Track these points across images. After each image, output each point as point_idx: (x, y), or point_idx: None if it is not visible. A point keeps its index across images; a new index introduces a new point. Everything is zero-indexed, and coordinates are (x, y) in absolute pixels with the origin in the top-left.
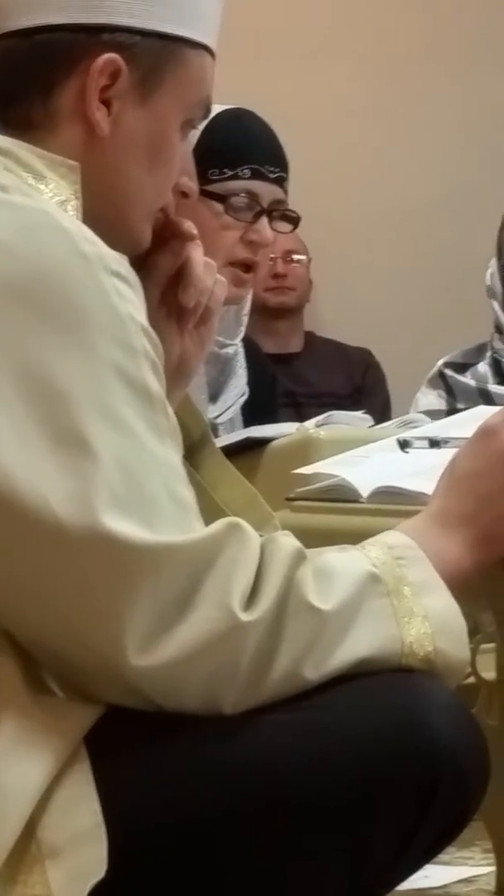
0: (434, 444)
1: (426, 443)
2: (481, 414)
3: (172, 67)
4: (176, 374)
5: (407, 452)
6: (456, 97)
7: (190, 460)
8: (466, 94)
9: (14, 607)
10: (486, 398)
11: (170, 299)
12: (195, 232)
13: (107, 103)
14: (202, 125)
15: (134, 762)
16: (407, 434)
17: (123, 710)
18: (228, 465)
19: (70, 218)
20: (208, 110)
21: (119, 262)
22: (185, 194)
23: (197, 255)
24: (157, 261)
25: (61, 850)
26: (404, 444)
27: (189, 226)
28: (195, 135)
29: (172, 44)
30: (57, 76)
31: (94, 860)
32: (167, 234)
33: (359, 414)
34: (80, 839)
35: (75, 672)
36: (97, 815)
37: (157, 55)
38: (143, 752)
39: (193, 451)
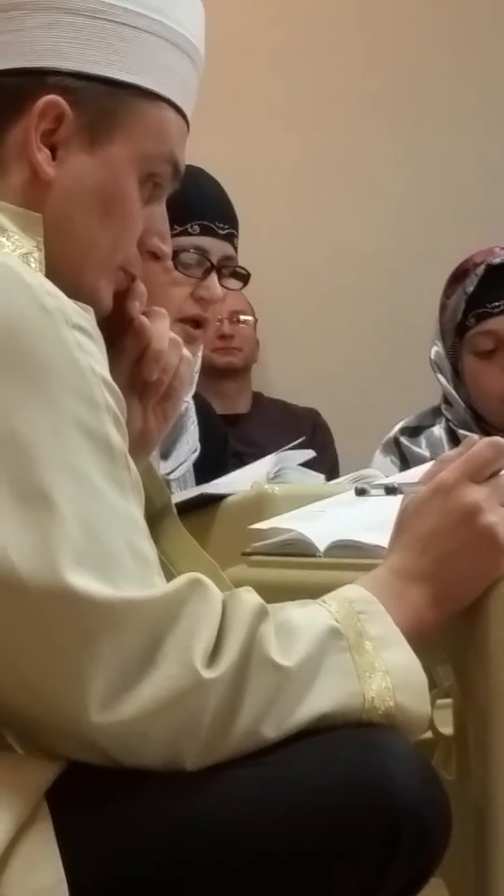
0: (391, 490)
1: (382, 490)
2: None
3: (124, 115)
4: (137, 447)
5: (364, 497)
6: (400, 158)
7: (151, 531)
8: (411, 155)
9: None
10: None
11: (134, 373)
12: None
13: (53, 147)
14: (173, 186)
15: (96, 818)
16: (363, 482)
17: (84, 765)
18: (189, 537)
19: (31, 271)
20: (177, 169)
21: (81, 315)
22: (155, 256)
23: (161, 328)
24: (123, 344)
25: None
26: (361, 492)
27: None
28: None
29: (123, 91)
30: (4, 120)
31: None
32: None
33: (308, 471)
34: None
35: (35, 728)
36: (59, 872)
37: (104, 101)
38: (105, 808)
39: (154, 522)
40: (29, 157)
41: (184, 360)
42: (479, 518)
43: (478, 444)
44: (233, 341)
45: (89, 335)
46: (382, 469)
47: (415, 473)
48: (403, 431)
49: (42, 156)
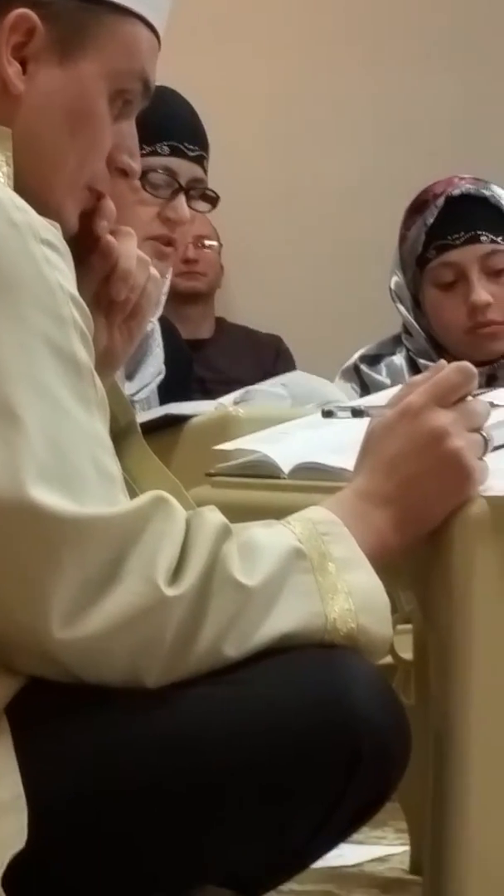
0: (357, 413)
1: (349, 413)
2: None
3: (96, 30)
4: (102, 364)
5: (330, 419)
6: (368, 87)
7: (115, 449)
8: (379, 85)
9: None
10: None
11: (100, 291)
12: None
13: (23, 61)
14: (143, 104)
15: (55, 734)
16: (331, 405)
17: (45, 681)
18: (152, 456)
19: (0, 186)
20: (147, 86)
21: (49, 230)
22: (124, 172)
23: (129, 247)
24: (91, 262)
25: None
26: (328, 414)
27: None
28: None
29: (95, 6)
30: None
31: (13, 831)
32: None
33: (277, 390)
34: (0, 810)
35: None
36: (17, 787)
37: (76, 15)
38: (65, 724)
39: (118, 440)
40: None
41: (151, 279)
42: (445, 442)
43: (446, 368)
44: (197, 266)
45: (58, 251)
46: (343, 395)
47: (382, 396)
48: (363, 359)
49: (12, 70)
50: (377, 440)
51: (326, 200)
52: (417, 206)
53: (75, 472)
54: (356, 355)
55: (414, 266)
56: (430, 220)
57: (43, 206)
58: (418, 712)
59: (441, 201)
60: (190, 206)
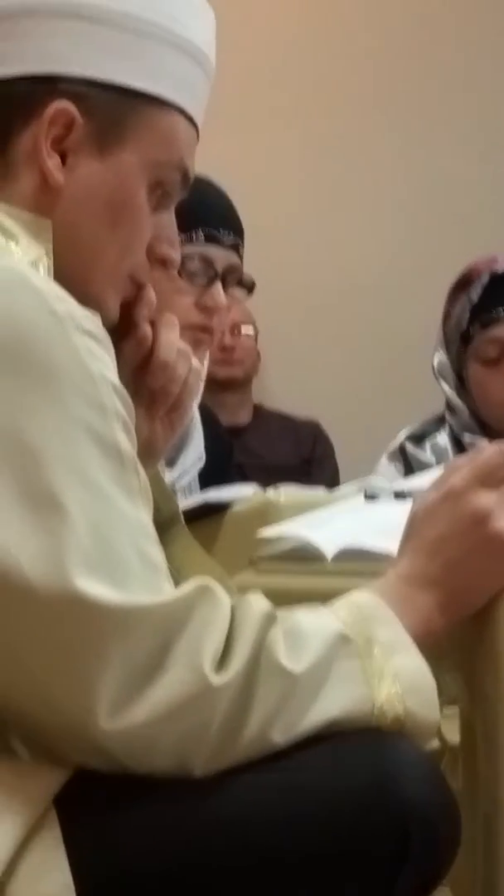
0: (400, 495)
1: (392, 495)
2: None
3: (134, 122)
4: (144, 455)
5: (373, 502)
6: (404, 167)
7: (159, 539)
8: (414, 168)
9: None
10: None
11: (140, 381)
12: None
13: (63, 154)
14: (182, 194)
15: (104, 825)
16: (373, 486)
17: (92, 771)
18: (196, 545)
19: (41, 277)
20: (186, 176)
21: (90, 320)
22: (164, 262)
23: (170, 338)
24: (123, 348)
25: None
26: (371, 497)
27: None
28: None
29: (133, 98)
30: (14, 126)
31: None
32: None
33: (310, 489)
34: None
35: (43, 734)
36: (67, 878)
37: (115, 108)
38: (113, 815)
39: (162, 530)
40: (39, 164)
41: (192, 370)
42: (488, 524)
43: (488, 449)
44: (234, 353)
45: (98, 340)
46: (387, 476)
47: (424, 479)
48: (409, 438)
49: (52, 162)
50: (420, 523)
51: (361, 280)
52: (462, 284)
53: (119, 562)
54: (401, 435)
55: (458, 342)
56: (475, 297)
57: (83, 297)
58: (467, 796)
59: (486, 278)
60: (226, 294)
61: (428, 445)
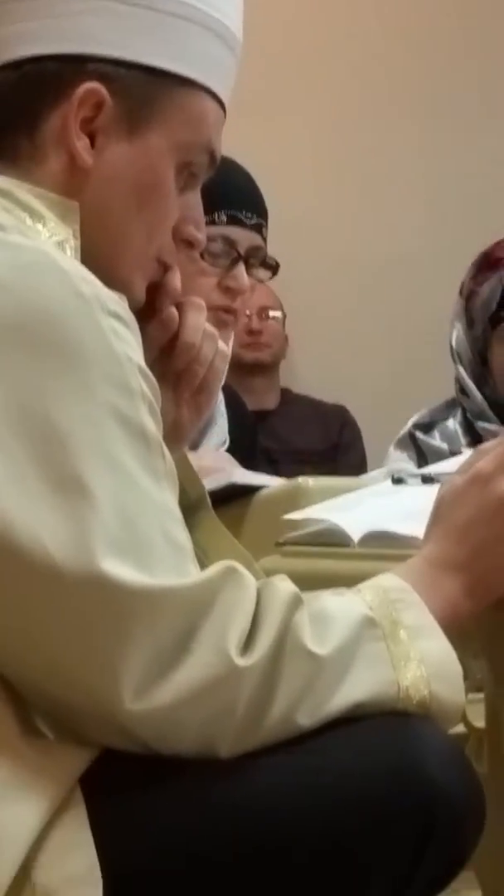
0: (427, 480)
1: (419, 479)
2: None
3: (163, 103)
4: (170, 438)
5: (400, 486)
6: (427, 150)
7: (185, 522)
8: (437, 147)
9: (8, 649)
10: None
11: (166, 363)
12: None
13: (92, 135)
14: (209, 174)
15: (130, 805)
16: (401, 472)
17: (118, 753)
18: (222, 529)
19: (68, 258)
20: (213, 157)
21: (116, 302)
22: (190, 244)
23: (197, 320)
24: (148, 330)
25: (56, 893)
26: (398, 481)
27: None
28: None
29: (162, 78)
30: (43, 106)
31: None
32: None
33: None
34: (75, 882)
35: (69, 715)
36: (92, 858)
37: (144, 89)
38: (139, 795)
39: (188, 513)
40: (67, 145)
41: (219, 353)
42: None
43: None
44: (261, 337)
45: (125, 322)
46: (398, 465)
47: (452, 464)
48: (417, 426)
49: (81, 143)
50: (447, 507)
51: (389, 264)
52: (491, 263)
53: (145, 544)
54: (409, 423)
55: (486, 323)
56: None
57: (110, 279)
58: (492, 780)
59: None
60: (250, 275)
61: (437, 432)
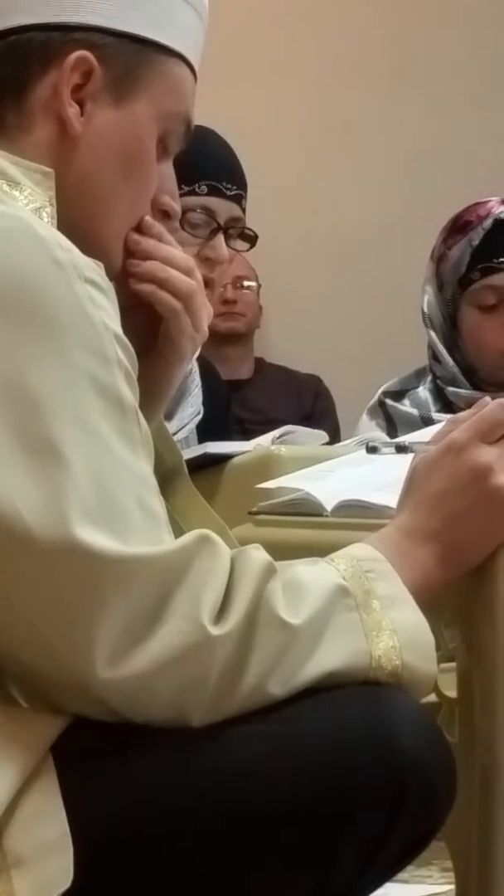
0: (401, 449)
1: (393, 449)
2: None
3: (147, 72)
4: (145, 402)
5: (374, 455)
6: (405, 123)
7: (161, 489)
8: (416, 120)
9: None
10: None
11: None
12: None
13: (80, 103)
14: (182, 145)
15: (101, 773)
16: (375, 440)
17: (90, 721)
18: (198, 497)
19: (44, 225)
20: (189, 129)
21: (93, 269)
22: (167, 214)
23: (168, 252)
24: (132, 323)
25: (27, 860)
26: (372, 450)
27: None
28: None
29: (146, 48)
30: (30, 75)
31: (59, 870)
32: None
33: (315, 431)
34: (46, 849)
35: (41, 682)
36: (63, 826)
37: (130, 57)
38: (111, 763)
39: (165, 481)
40: (58, 113)
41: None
42: (489, 479)
43: (490, 405)
44: (236, 306)
45: (101, 290)
46: (369, 432)
47: (425, 433)
48: (387, 394)
49: (72, 111)
50: (421, 477)
51: (364, 235)
52: (461, 226)
53: (120, 511)
54: (379, 392)
55: (455, 286)
56: (476, 241)
57: (91, 246)
58: (463, 750)
59: (489, 223)
60: (229, 246)
61: (407, 400)
